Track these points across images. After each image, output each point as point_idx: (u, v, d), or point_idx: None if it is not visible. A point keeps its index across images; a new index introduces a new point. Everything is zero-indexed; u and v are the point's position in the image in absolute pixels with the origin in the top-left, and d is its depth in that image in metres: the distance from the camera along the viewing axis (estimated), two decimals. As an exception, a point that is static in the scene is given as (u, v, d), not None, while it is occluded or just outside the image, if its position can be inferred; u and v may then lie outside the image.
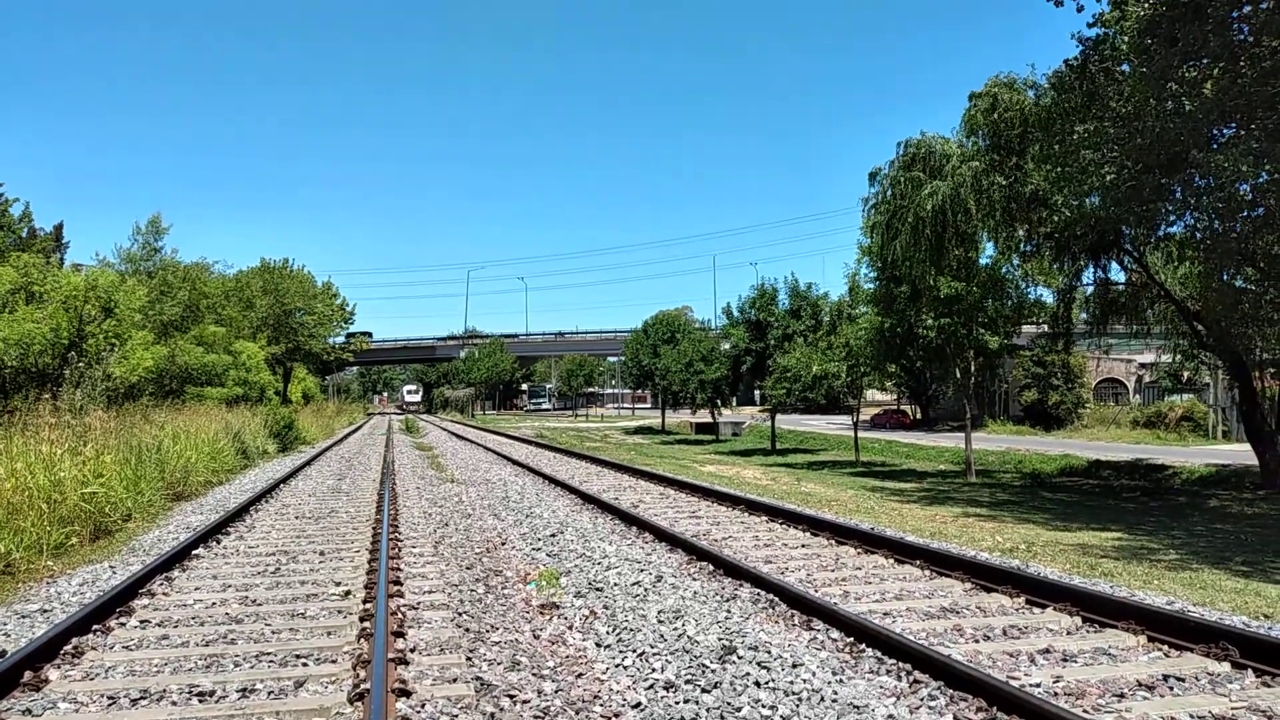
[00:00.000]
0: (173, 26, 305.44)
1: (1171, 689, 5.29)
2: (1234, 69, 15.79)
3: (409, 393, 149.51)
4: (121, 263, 43.52)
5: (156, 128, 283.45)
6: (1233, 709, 4.93)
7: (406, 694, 5.37)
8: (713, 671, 5.73)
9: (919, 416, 67.09)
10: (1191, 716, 4.84)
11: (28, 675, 5.79)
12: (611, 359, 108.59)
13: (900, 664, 5.70)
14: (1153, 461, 32.25)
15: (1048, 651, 6.04)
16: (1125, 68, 18.06)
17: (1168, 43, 16.04)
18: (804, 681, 5.33)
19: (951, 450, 39.37)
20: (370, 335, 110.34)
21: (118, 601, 7.63)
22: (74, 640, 6.57)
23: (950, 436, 48.03)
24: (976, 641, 6.38)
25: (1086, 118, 19.11)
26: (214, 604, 7.92)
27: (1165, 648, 6.06)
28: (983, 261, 27.43)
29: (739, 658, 5.89)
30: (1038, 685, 5.30)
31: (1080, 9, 17.59)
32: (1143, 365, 56.49)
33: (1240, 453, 32.75)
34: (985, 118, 22.58)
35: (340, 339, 63.06)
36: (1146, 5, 16.77)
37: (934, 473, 31.99)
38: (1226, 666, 5.62)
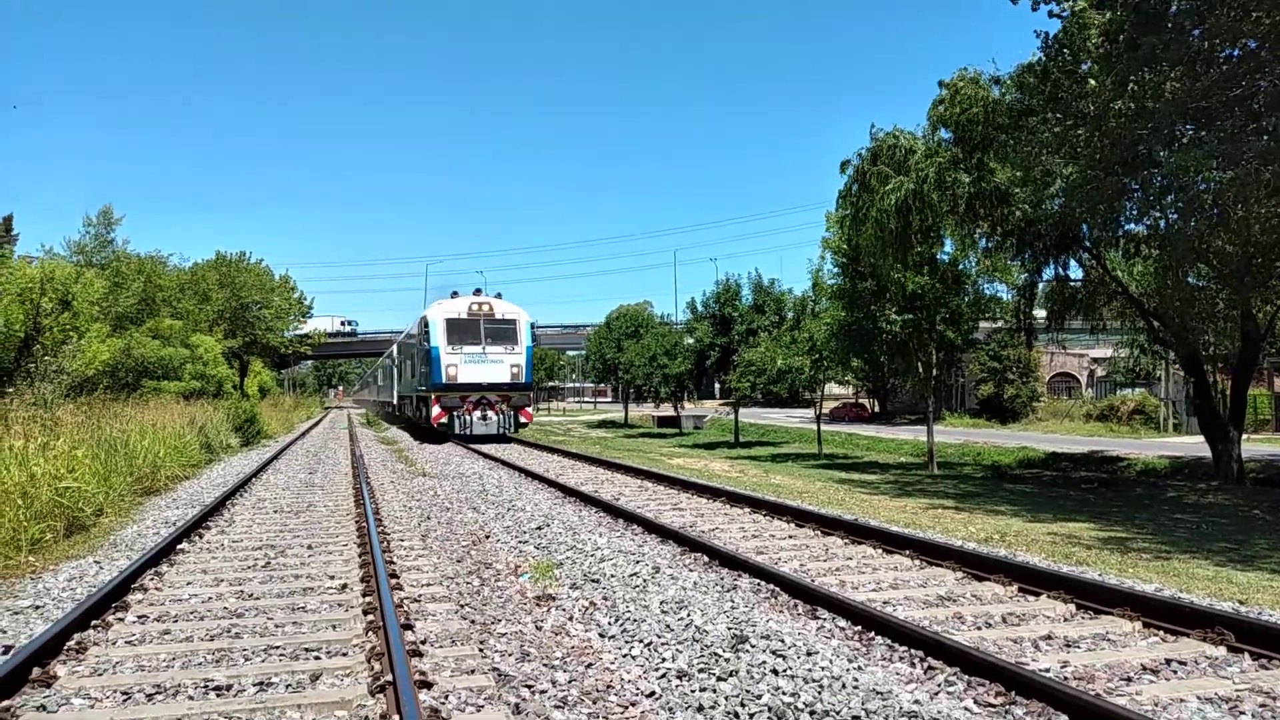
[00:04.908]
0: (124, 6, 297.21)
1: (1175, 672, 5.48)
2: (1192, 73, 16.22)
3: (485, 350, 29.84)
4: (72, 255, 42.56)
5: (105, 117, 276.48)
6: (1236, 691, 5.13)
7: (427, 685, 5.39)
8: (726, 660, 5.80)
9: (877, 410, 67.91)
10: (1198, 698, 5.02)
11: (36, 672, 5.70)
12: (572, 353, 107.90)
13: (912, 651, 5.84)
14: (1108, 453, 33.01)
15: (1049, 638, 6.22)
16: (1086, 67, 18.44)
17: (1129, 48, 16.43)
18: (822, 669, 5.43)
19: (910, 443, 39.92)
20: (355, 328, 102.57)
21: (112, 597, 7.53)
22: (75, 636, 6.48)
23: (908, 429, 48.70)
24: (979, 629, 6.54)
25: (1049, 118, 19.49)
26: (210, 599, 7.84)
27: (1161, 633, 6.26)
28: (941, 257, 27.84)
29: (752, 646, 5.98)
30: (1047, 670, 5.46)
31: (1035, 7, 17.95)
32: (1095, 360, 57.74)
33: (1191, 445, 33.64)
34: (949, 112, 22.85)
35: (299, 332, 62.20)
36: (1107, 14, 17.14)
37: (896, 465, 32.44)
38: (1223, 650, 5.82)
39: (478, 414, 28.30)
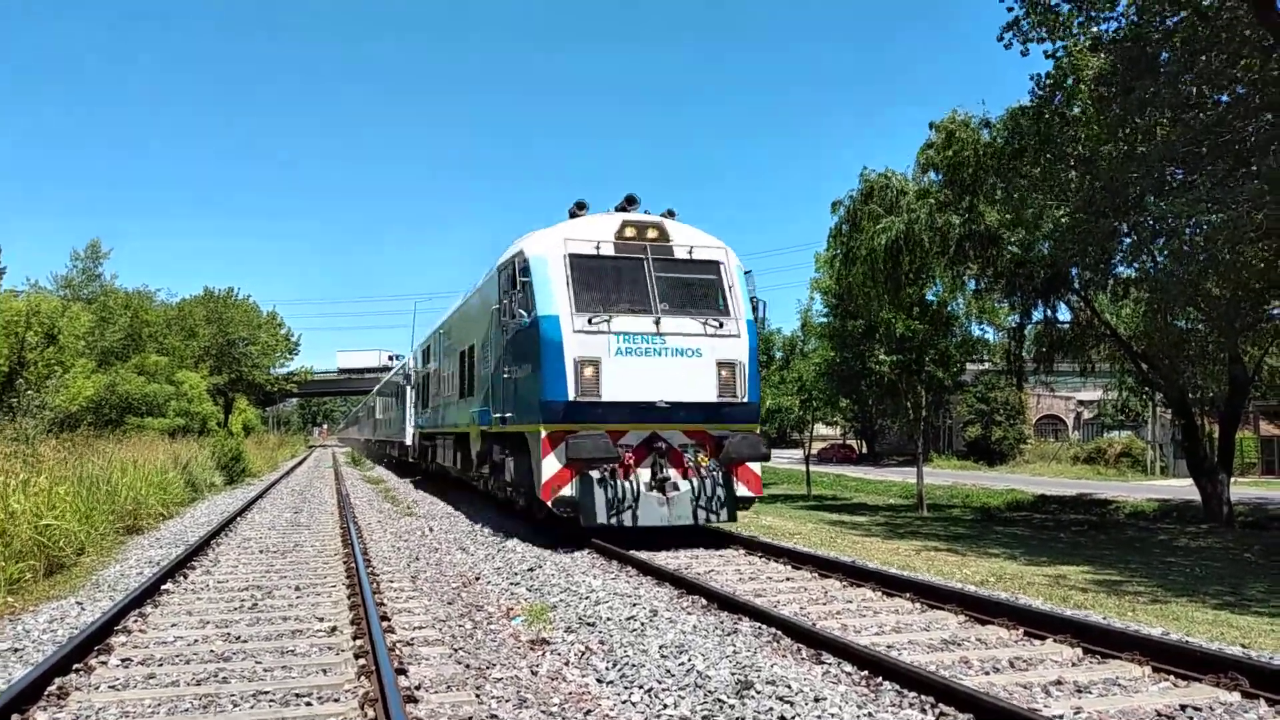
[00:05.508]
0: (106, 29, 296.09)
1: (1191, 719, 5.36)
2: (1184, 118, 16.44)
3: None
4: (59, 289, 42.35)
5: (94, 146, 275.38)
6: (1256, 739, 5.01)
7: (424, 733, 5.21)
8: (731, 707, 5.64)
9: (865, 451, 67.86)
10: (1218, 747, 4.90)
11: (15, 719, 5.50)
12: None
13: (922, 697, 5.69)
14: (1096, 496, 32.99)
15: (1059, 683, 6.09)
16: (1078, 110, 18.68)
17: (1123, 93, 16.65)
18: (832, 716, 5.29)
19: (899, 485, 39.81)
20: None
21: (95, 639, 7.30)
22: (56, 681, 6.26)
23: (896, 471, 48.63)
24: (986, 674, 6.40)
25: (1040, 160, 19.69)
26: (196, 641, 7.63)
27: (1173, 678, 6.14)
28: (929, 298, 27.97)
29: (758, 692, 5.82)
30: (1060, 717, 5.33)
31: (1025, 53, 18.18)
32: (1082, 402, 57.99)
33: (1179, 488, 33.66)
34: (940, 156, 23.10)
35: (285, 369, 61.97)
36: (1102, 57, 17.40)
37: (885, 506, 32.27)
38: (1237, 696, 5.71)
39: (646, 475, 12.79)
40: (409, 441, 29.40)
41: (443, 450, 22.31)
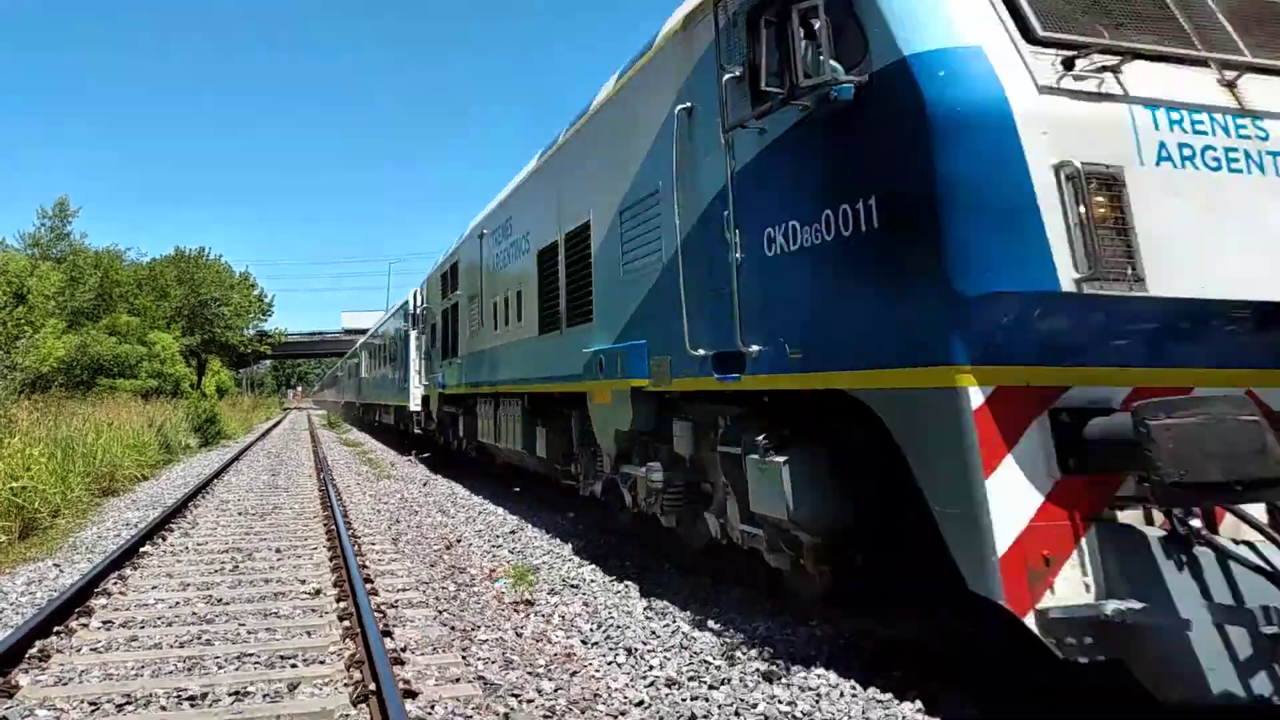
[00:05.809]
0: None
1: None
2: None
3: None
4: (26, 247, 41.62)
5: (60, 108, 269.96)
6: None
7: (412, 694, 5.21)
8: (718, 668, 5.69)
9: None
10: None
11: (-3, 681, 5.46)
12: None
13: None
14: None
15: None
16: None
17: None
18: (819, 677, 5.32)
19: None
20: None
21: (75, 602, 7.26)
22: (38, 643, 6.22)
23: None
24: (969, 635, 6.47)
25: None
26: (178, 604, 7.58)
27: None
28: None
29: (743, 654, 5.86)
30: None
31: None
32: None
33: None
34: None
35: (262, 328, 61.39)
36: None
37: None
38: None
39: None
40: (415, 406, 21.74)
41: (497, 423, 13.36)
